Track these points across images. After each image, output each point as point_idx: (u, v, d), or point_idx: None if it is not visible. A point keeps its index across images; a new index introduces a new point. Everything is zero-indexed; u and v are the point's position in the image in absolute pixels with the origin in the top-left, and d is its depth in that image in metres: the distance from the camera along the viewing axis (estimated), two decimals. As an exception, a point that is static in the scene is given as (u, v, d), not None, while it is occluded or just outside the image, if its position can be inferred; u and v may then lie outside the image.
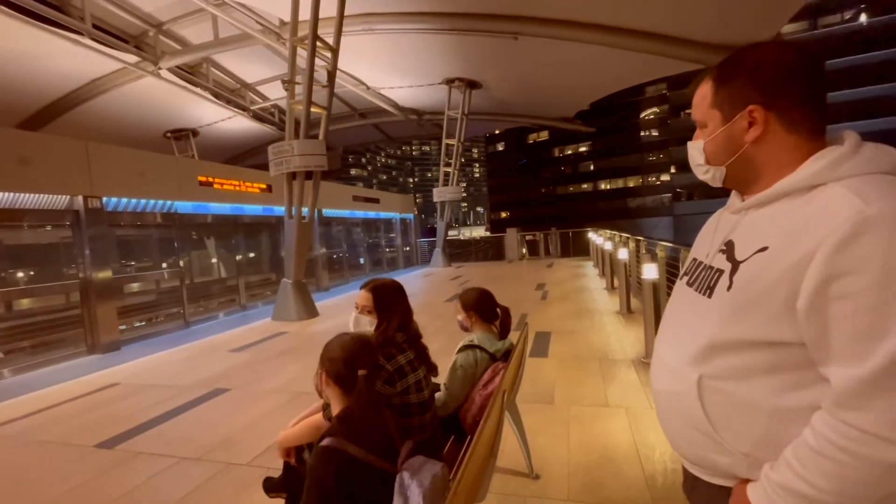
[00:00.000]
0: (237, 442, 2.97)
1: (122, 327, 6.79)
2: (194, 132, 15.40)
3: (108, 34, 9.87)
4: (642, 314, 4.42)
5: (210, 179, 8.60)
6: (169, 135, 15.34)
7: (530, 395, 3.37)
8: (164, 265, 8.35)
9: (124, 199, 6.91)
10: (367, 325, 1.67)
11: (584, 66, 12.05)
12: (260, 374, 4.51)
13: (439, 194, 15.23)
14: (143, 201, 7.28)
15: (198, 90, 12.65)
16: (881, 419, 0.61)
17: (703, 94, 0.85)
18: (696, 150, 0.89)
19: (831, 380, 0.66)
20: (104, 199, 6.50)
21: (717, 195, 0.93)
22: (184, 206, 8.11)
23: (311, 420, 1.53)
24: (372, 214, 15.72)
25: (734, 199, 0.89)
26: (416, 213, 19.78)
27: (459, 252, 19.12)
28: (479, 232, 68.83)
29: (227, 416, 3.46)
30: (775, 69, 0.77)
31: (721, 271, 0.81)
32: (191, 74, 12.33)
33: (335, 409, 1.32)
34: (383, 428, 1.28)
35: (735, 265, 0.78)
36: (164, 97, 12.57)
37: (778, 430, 0.72)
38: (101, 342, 6.13)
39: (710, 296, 0.82)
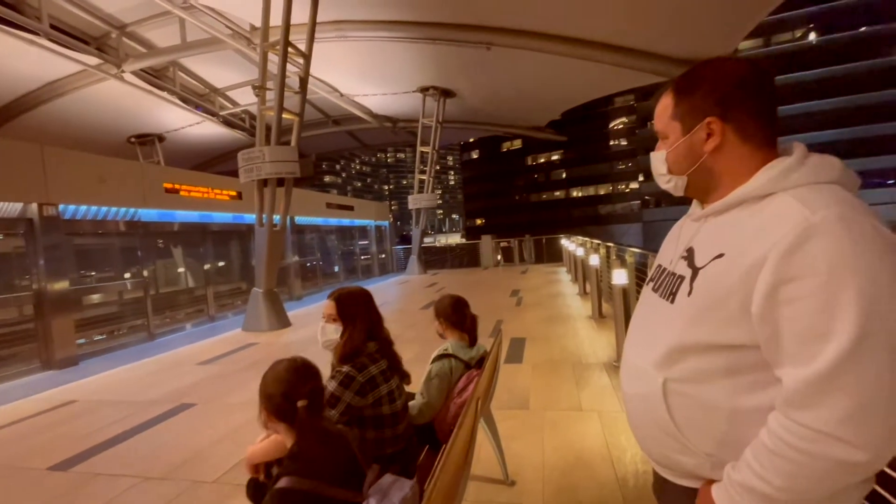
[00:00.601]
0: (204, 459, 2.86)
1: (81, 341, 6.45)
2: (160, 137, 14.91)
3: (67, 35, 9.46)
4: (613, 318, 4.52)
5: (177, 186, 8.33)
6: (133, 140, 14.79)
7: (506, 401, 3.39)
8: (127, 275, 8.01)
9: (83, 207, 6.61)
10: (333, 333, 1.64)
11: (556, 77, 12.35)
12: (228, 387, 4.36)
13: (415, 201, 15.23)
14: (104, 209, 6.98)
15: (164, 94, 12.27)
16: (830, 417, 0.63)
17: (665, 106, 0.88)
18: (658, 161, 0.91)
19: (783, 380, 0.69)
20: (61, 206, 6.19)
21: (684, 202, 0.96)
22: (148, 213, 7.82)
23: (279, 434, 1.48)
24: (346, 222, 15.55)
25: (695, 207, 0.93)
26: (392, 220, 19.70)
27: (435, 259, 19.11)
28: (455, 239, 69.06)
29: (194, 432, 3.33)
30: (731, 83, 0.80)
31: (682, 277, 0.84)
32: (156, 78, 11.94)
33: (288, 444, 1.25)
34: (344, 453, 1.22)
35: (695, 271, 0.81)
36: (127, 101, 12.13)
37: (738, 430, 0.74)
38: (56, 357, 5.80)
39: (672, 301, 0.84)
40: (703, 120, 0.82)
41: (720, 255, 0.77)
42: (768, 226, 0.72)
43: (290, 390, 1.25)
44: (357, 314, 1.67)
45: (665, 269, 0.93)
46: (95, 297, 7.51)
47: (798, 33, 36.60)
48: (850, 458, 0.63)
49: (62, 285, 6.06)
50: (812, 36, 35.85)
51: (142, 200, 7.59)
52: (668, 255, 0.94)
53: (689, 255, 0.85)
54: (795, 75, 34.55)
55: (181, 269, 9.52)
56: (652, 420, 0.85)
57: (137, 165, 8.24)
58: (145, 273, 7.95)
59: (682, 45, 10.20)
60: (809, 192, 0.72)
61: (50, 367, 5.75)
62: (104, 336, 7.26)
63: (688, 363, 0.79)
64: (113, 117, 13.04)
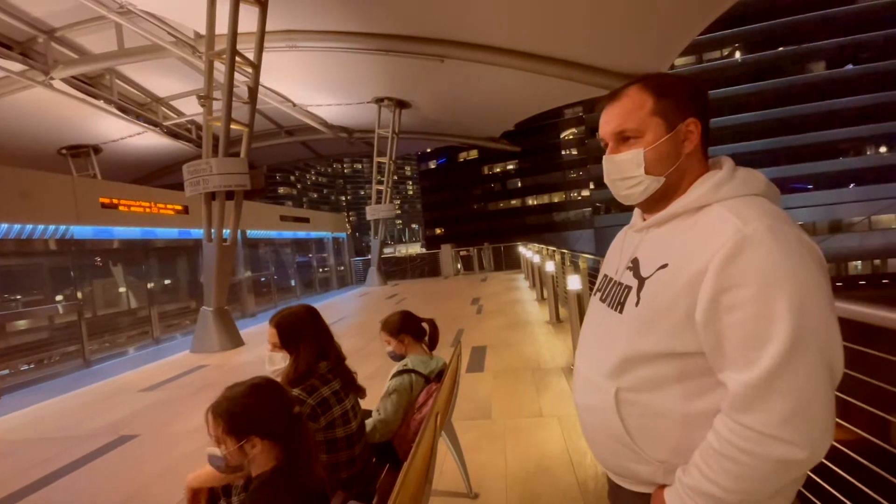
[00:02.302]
0: (146, 496, 2.65)
1: (3, 372, 5.85)
2: (96, 149, 13.96)
3: (-15, 39, 8.72)
4: (570, 323, 4.64)
5: (115, 201, 7.80)
6: (64, 151, 13.75)
7: (468, 411, 3.38)
8: (59, 298, 7.37)
9: (4, 225, 6.04)
10: (281, 361, 1.55)
11: (508, 89, 12.69)
12: (175, 415, 4.09)
13: (373, 212, 15.07)
14: (29, 227, 6.41)
15: (100, 103, 11.50)
16: (770, 419, 0.67)
17: (640, 102, 0.83)
18: (632, 161, 0.84)
19: (727, 385, 0.71)
20: (-22, 225, 5.64)
21: (632, 209, 0.97)
22: (83, 230, 7.26)
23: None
24: (302, 234, 15.14)
25: (636, 218, 0.95)
26: (350, 231, 19.38)
27: (395, 270, 18.95)
28: (415, 248, 68.89)
29: (134, 466, 3.08)
30: (701, 93, 0.85)
31: (629, 288, 0.86)
32: (91, 86, 11.19)
33: (258, 469, 1.15)
34: (316, 474, 1.16)
35: (641, 282, 0.83)
36: (57, 110, 11.28)
37: (690, 435, 0.76)
38: (-28, 393, 5.22)
39: (621, 311, 0.86)
40: (685, 119, 0.82)
41: (664, 266, 0.80)
42: (706, 236, 0.75)
43: (277, 404, 1.16)
44: (302, 338, 1.57)
45: (611, 279, 0.94)
46: (20, 324, 6.85)
47: (726, 52, 39.72)
48: (791, 456, 0.67)
49: (-21, 312, 5.49)
50: (738, 55, 39.03)
51: (74, 217, 7.04)
52: (614, 265, 0.95)
53: (635, 266, 0.87)
54: (724, 90, 37.43)
55: (122, 290, 8.90)
56: (606, 431, 0.86)
57: (68, 179, 7.63)
58: (79, 295, 7.35)
59: (625, 60, 10.80)
60: (740, 203, 0.77)
61: (-35, 405, 5.16)
62: (31, 366, 6.62)
63: (639, 372, 0.81)
64: (41, 127, 12.09)
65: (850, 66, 35.65)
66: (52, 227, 6.75)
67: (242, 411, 1.15)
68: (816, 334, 0.67)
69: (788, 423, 0.66)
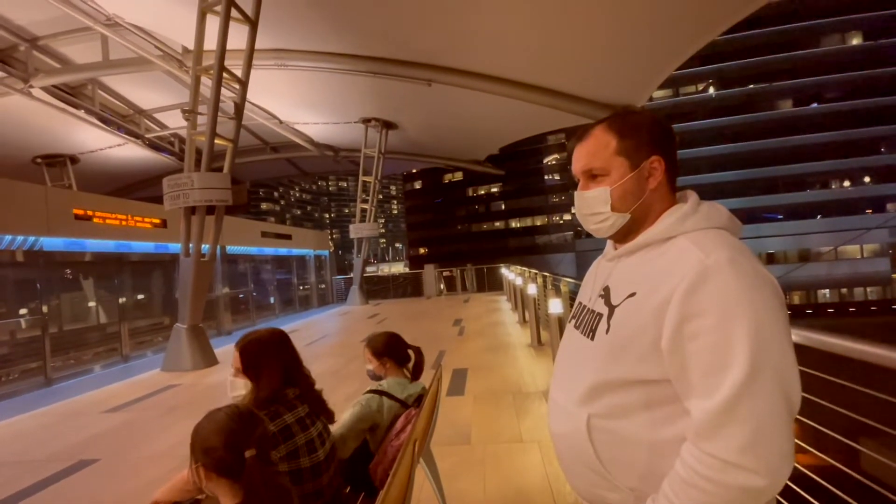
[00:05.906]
0: (104, 525, 2.49)
1: (-45, 391, 5.52)
2: (73, 159, 13.64)
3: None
4: (551, 346, 4.64)
5: (89, 213, 7.59)
6: (39, 160, 13.40)
7: (447, 436, 3.32)
8: (22, 311, 7.05)
9: (-31, 235, 5.81)
10: (243, 388, 1.47)
11: (493, 115, 12.98)
12: (141, 437, 3.90)
13: (356, 230, 15.00)
14: (-5, 237, 6.17)
15: (80, 113, 11.30)
16: (730, 446, 0.68)
17: (604, 143, 0.88)
18: (599, 199, 0.88)
19: (692, 412, 0.73)
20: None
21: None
22: (53, 242, 7.02)
23: (185, 474, 1.31)
24: (283, 251, 14.93)
25: (609, 248, 0.98)
26: (332, 249, 19.21)
27: (378, 289, 18.76)
28: (399, 268, 68.60)
29: (94, 494, 2.90)
30: (664, 130, 0.88)
31: (601, 315, 0.88)
32: (72, 96, 11.00)
33: (226, 502, 1.12)
34: None
35: (611, 309, 0.85)
36: (34, 118, 11.04)
37: (658, 462, 0.77)
38: (-80, 412, 4.89)
39: (592, 338, 0.88)
40: (649, 157, 0.86)
41: (632, 294, 0.82)
42: (671, 267, 0.78)
43: (235, 440, 1.11)
44: (265, 364, 1.49)
45: (585, 306, 0.96)
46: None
47: (701, 87, 41.63)
48: (752, 484, 0.68)
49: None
50: (711, 90, 40.95)
51: (45, 228, 6.81)
52: (587, 293, 0.98)
53: (606, 294, 0.89)
54: (699, 123, 39.11)
55: (91, 304, 8.58)
56: (578, 458, 0.86)
57: (40, 189, 7.39)
58: (45, 309, 7.04)
59: (607, 91, 11.22)
60: (703, 236, 0.80)
61: None
62: (-14, 384, 6.27)
63: (609, 399, 0.82)
64: (15, 135, 11.79)
65: (815, 105, 37.73)
66: (20, 238, 6.51)
67: (198, 440, 1.13)
68: (773, 362, 0.69)
69: (748, 451, 0.67)
